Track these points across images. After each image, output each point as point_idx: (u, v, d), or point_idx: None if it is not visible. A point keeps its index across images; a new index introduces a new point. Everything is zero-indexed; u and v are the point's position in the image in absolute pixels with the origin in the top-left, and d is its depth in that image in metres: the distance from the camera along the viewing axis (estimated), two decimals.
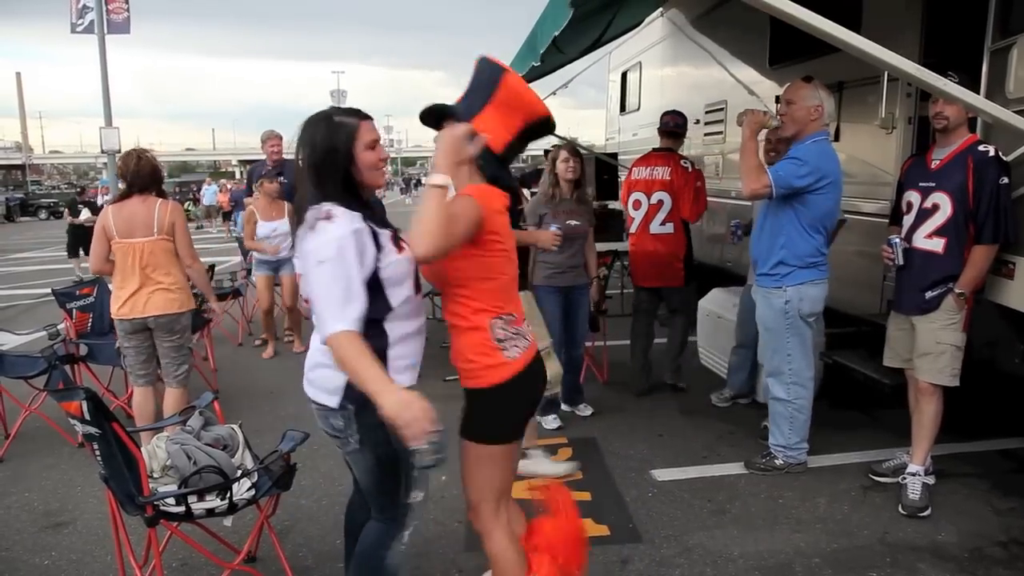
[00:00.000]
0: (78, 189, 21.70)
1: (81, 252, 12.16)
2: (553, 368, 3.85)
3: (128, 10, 20.97)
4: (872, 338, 3.90)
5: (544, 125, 2.16)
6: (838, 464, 3.84)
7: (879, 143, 4.18)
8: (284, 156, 6.76)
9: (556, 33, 3.61)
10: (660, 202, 4.89)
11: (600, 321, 5.26)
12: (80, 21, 21.03)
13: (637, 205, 5.00)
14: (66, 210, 16.08)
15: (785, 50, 5.13)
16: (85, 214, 12.69)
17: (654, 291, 5.08)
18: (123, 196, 3.92)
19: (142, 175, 3.88)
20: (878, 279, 4.13)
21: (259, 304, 6.61)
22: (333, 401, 2.03)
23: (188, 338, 4.12)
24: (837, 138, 4.44)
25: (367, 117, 2.07)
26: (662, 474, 3.81)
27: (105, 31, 20.56)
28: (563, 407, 4.62)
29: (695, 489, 3.64)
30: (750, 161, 3.54)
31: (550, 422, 4.46)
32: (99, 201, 17.16)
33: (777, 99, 5.32)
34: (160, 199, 3.94)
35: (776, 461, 3.77)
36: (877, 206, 4.12)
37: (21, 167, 60.17)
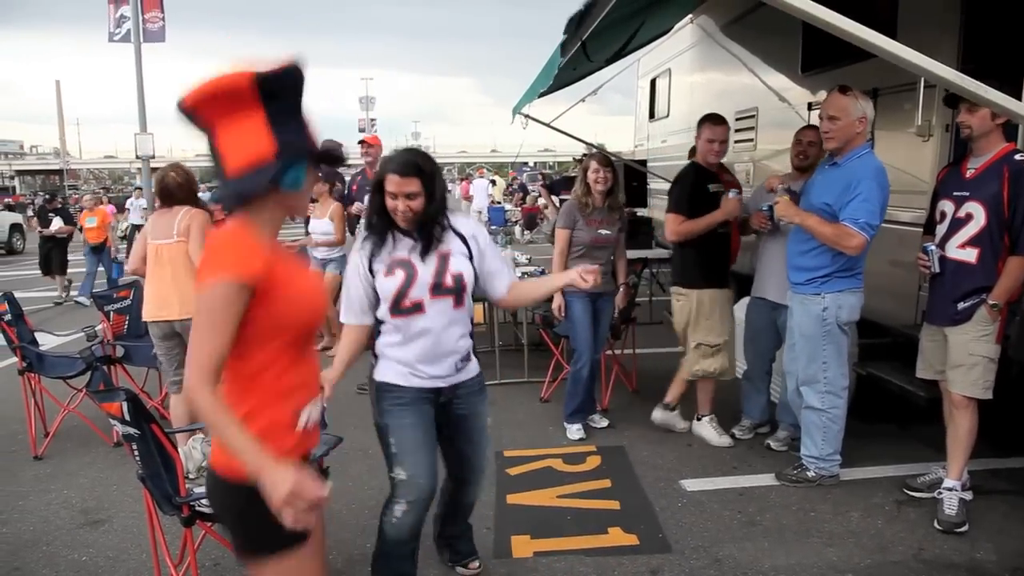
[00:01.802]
0: (46, 196, 17.32)
1: (73, 264, 10.84)
2: (719, 362, 4.24)
3: (163, 19, 21.43)
4: (906, 349, 3.83)
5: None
6: (871, 477, 3.78)
7: (915, 151, 4.12)
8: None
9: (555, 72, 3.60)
10: None
11: (622, 329, 5.23)
12: (118, 30, 21.54)
13: None
14: (34, 219, 15.33)
15: (818, 56, 5.09)
16: (56, 224, 11.05)
17: None
18: (163, 206, 4.12)
19: (169, 190, 4.06)
20: (913, 289, 4.07)
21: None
22: None
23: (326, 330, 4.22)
24: (872, 146, 4.39)
25: None
26: (691, 484, 3.78)
27: (141, 40, 21.00)
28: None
29: (725, 500, 3.61)
30: (826, 232, 3.43)
31: (574, 432, 4.45)
32: (130, 205, 17.41)
33: (810, 106, 5.28)
34: (186, 207, 4.06)
35: (808, 473, 3.72)
36: (913, 215, 4.06)
37: (59, 172, 61.65)
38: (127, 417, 2.38)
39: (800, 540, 3.21)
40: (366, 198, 6.13)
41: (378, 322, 2.56)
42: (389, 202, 2.43)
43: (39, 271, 13.86)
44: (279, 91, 1.58)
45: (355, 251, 2.57)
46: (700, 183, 4.18)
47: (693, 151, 4.75)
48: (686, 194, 4.16)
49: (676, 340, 4.46)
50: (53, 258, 10.82)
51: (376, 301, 2.53)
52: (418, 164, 2.42)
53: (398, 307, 2.49)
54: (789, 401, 3.98)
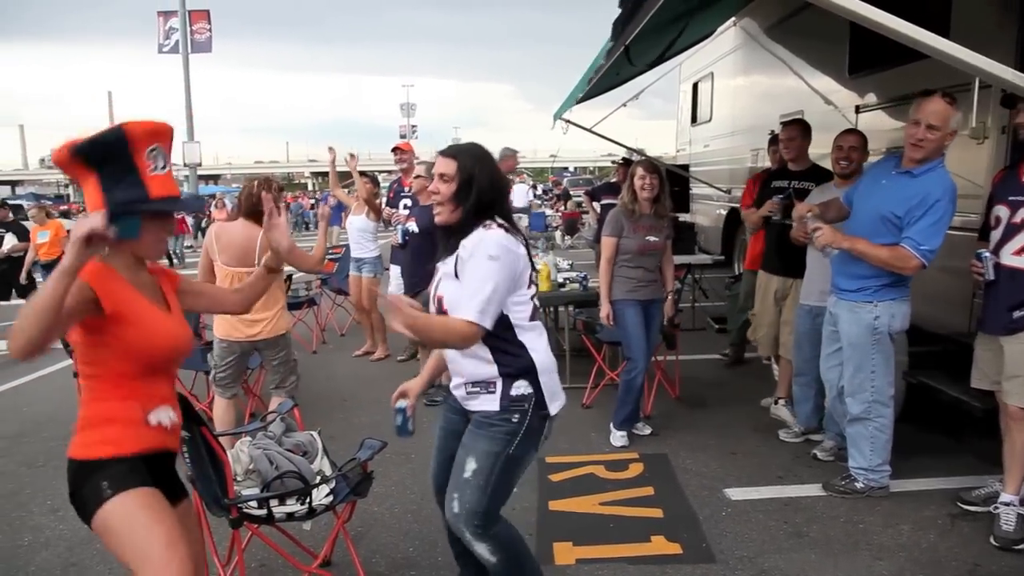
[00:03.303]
0: None
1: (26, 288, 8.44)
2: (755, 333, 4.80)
3: (210, 30, 22.01)
4: (959, 358, 3.72)
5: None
6: (922, 490, 3.68)
7: (970, 154, 4.01)
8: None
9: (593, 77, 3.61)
10: None
11: (676, 336, 5.18)
12: (167, 42, 22.20)
13: None
14: None
15: (866, 57, 4.99)
16: (9, 241, 8.80)
17: None
18: (231, 218, 4.16)
19: (247, 203, 3.98)
20: (967, 296, 3.96)
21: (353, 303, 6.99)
22: None
23: (292, 351, 4.26)
24: None
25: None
26: (736, 493, 3.72)
27: (189, 51, 21.56)
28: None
29: (770, 510, 3.54)
30: (881, 255, 3.31)
31: (618, 439, 4.42)
32: (214, 214, 17.57)
33: (857, 108, 5.18)
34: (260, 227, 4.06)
35: (856, 484, 3.63)
36: (967, 220, 3.94)
37: None
38: None
39: (849, 553, 3.14)
40: (401, 204, 6.32)
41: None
42: None
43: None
44: (103, 157, 1.87)
45: None
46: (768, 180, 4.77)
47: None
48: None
49: (718, 346, 4.42)
50: (11, 282, 8.67)
51: None
52: (463, 149, 2.27)
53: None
54: (831, 409, 3.91)
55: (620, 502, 3.67)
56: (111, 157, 1.87)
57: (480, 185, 2.21)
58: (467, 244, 2.18)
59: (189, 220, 17.29)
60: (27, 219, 10.87)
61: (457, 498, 2.28)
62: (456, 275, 2.18)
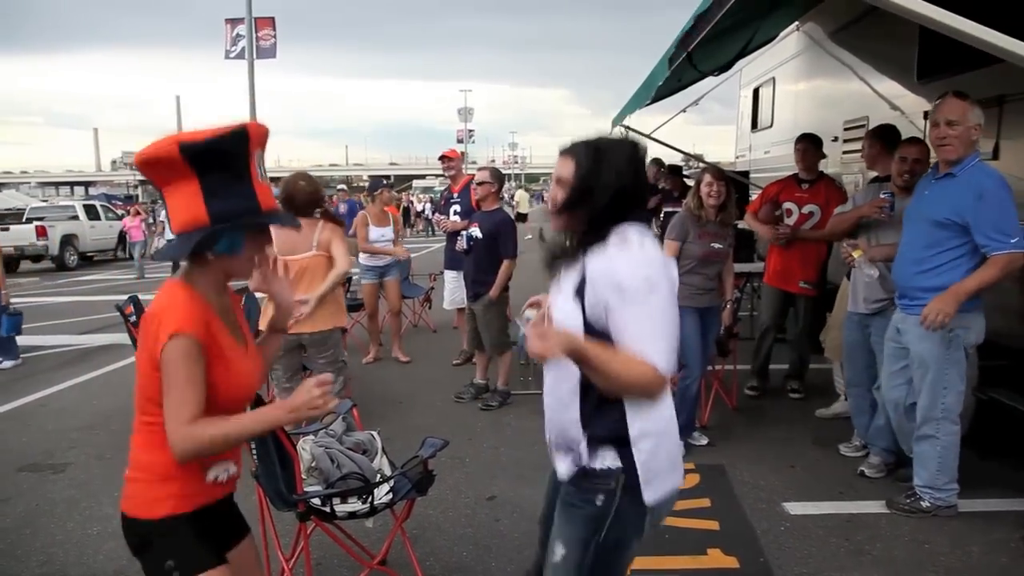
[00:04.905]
0: None
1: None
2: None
3: (275, 36, 22.59)
4: None
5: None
6: (993, 511, 3.54)
7: None
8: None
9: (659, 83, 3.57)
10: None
11: (730, 345, 5.11)
12: (233, 48, 22.86)
13: None
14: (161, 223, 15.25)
15: (936, 62, 4.83)
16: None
17: None
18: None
19: (298, 199, 4.12)
20: None
21: (365, 310, 7.06)
22: None
23: (340, 351, 4.34)
24: (996, 156, 4.13)
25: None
26: (795, 507, 3.65)
27: (255, 56, 22.17)
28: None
29: (831, 526, 3.46)
30: (992, 273, 3.19)
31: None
32: (341, 209, 16.85)
33: (925, 115, 5.02)
34: (321, 220, 4.19)
35: (922, 503, 3.52)
36: None
37: None
38: None
39: (914, 574, 3.04)
40: (451, 211, 6.40)
41: None
42: None
43: (164, 274, 14.78)
44: (214, 160, 1.64)
45: None
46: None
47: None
48: None
49: (778, 357, 4.36)
50: None
51: None
52: (586, 143, 1.80)
53: None
54: (896, 428, 3.77)
55: (676, 513, 3.57)
56: (227, 162, 1.66)
57: (602, 194, 1.74)
58: (595, 263, 1.72)
59: None
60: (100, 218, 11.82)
61: None
62: (584, 294, 1.72)
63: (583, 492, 1.79)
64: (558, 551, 1.83)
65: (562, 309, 1.74)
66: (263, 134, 1.73)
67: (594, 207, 1.75)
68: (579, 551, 1.80)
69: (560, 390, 1.79)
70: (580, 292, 1.72)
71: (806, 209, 5.18)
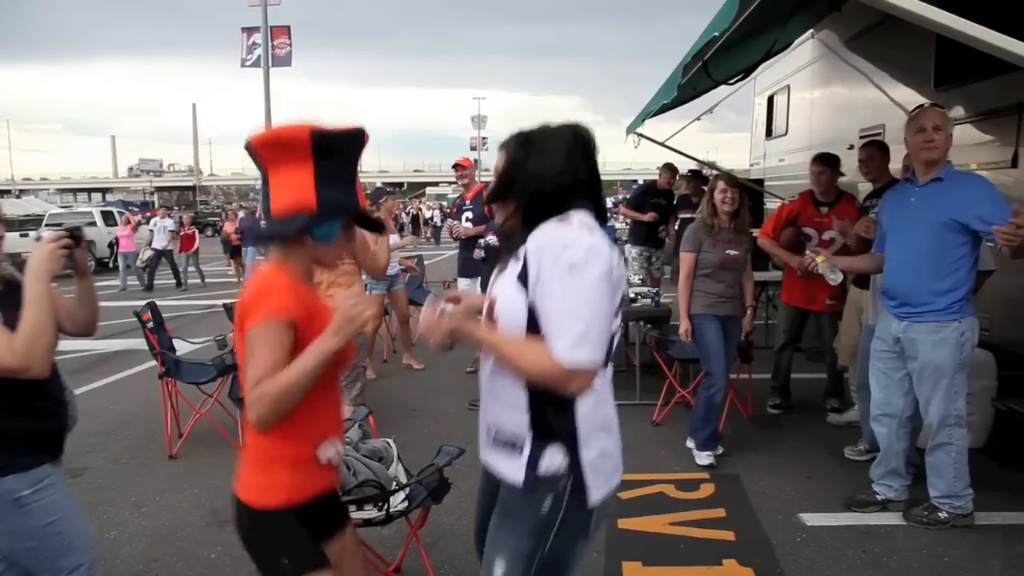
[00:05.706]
0: None
1: None
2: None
3: (291, 45, 22.80)
4: None
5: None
6: (1013, 524, 3.50)
7: None
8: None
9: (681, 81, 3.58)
10: None
11: (752, 352, 5.07)
12: (249, 56, 23.10)
13: None
14: (193, 232, 14.77)
15: (953, 70, 4.81)
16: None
17: None
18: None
19: None
20: None
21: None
22: None
23: (361, 356, 4.35)
24: (1015, 164, 4.10)
25: None
26: (811, 518, 3.62)
27: (270, 64, 22.36)
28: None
29: (847, 538, 3.43)
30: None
31: (704, 459, 4.31)
32: (153, 227, 15.09)
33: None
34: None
35: (940, 514, 3.48)
36: None
37: (193, 188, 67.17)
38: None
39: None
40: (463, 218, 6.43)
41: None
42: None
43: (172, 281, 14.77)
44: (333, 151, 1.73)
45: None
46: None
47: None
48: None
49: (794, 366, 4.33)
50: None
51: None
52: (518, 134, 1.77)
53: None
54: (888, 441, 3.68)
55: (691, 523, 3.61)
56: (344, 154, 1.77)
57: (533, 174, 1.69)
58: (533, 239, 1.65)
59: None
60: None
61: None
62: (527, 278, 1.63)
63: (527, 493, 1.66)
64: (497, 568, 1.70)
65: (504, 295, 1.68)
66: (368, 140, 1.83)
67: (524, 196, 1.71)
68: (522, 566, 1.68)
69: (500, 381, 1.69)
70: (523, 278, 1.63)
71: (827, 235, 5.02)
